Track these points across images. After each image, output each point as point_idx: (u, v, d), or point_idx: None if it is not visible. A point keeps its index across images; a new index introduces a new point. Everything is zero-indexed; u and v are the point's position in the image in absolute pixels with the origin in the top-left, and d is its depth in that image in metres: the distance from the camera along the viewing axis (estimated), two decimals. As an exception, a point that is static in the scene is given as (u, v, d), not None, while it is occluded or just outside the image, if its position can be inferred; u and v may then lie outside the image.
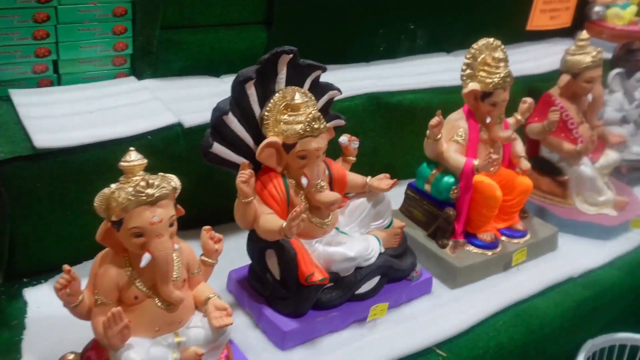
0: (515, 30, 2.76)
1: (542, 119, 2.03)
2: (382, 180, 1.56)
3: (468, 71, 1.74)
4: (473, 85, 1.73)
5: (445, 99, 2.10)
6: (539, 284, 1.78)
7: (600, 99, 2.09)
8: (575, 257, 1.94)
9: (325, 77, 1.54)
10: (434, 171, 1.81)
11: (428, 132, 1.73)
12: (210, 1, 1.91)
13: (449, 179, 1.76)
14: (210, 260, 1.32)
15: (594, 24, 2.92)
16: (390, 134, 2.09)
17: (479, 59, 1.74)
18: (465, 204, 1.76)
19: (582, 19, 2.97)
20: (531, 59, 2.58)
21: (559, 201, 2.12)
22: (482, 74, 1.73)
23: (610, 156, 2.16)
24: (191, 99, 1.80)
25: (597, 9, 2.89)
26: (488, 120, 1.76)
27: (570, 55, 2.06)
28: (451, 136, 1.77)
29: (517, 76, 2.34)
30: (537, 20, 2.74)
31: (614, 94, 2.45)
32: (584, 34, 2.06)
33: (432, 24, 2.42)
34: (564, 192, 2.12)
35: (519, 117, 1.92)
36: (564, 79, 2.07)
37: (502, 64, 1.71)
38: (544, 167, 2.16)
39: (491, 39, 1.76)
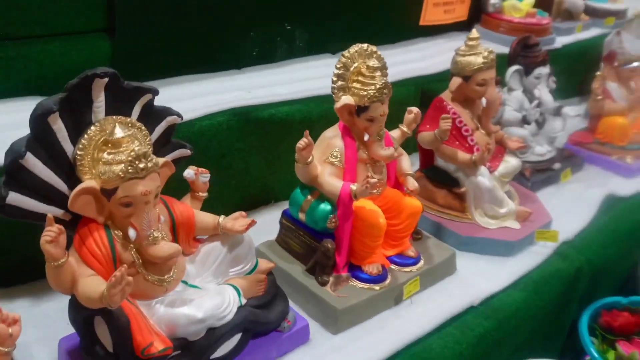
0: (408, 26, 2.58)
1: (435, 126, 1.84)
2: (237, 220, 1.31)
3: (339, 83, 1.51)
4: (346, 99, 1.50)
5: (327, 110, 1.85)
6: (434, 319, 1.58)
7: (495, 102, 1.90)
8: (476, 280, 1.75)
9: (185, 90, 1.29)
10: (308, 197, 1.57)
11: (297, 155, 1.48)
12: (32, 7, 1.59)
13: (325, 207, 1.53)
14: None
15: (490, 16, 2.78)
16: (263, 152, 1.84)
17: (352, 68, 1.51)
18: (345, 234, 1.53)
19: (478, 11, 2.80)
20: (425, 58, 2.39)
21: (457, 216, 1.93)
22: (356, 85, 1.50)
23: (510, 163, 1.99)
24: (9, 129, 1.49)
25: (493, 0, 2.73)
26: (366, 137, 1.53)
27: (460, 56, 1.87)
28: (325, 157, 1.54)
29: (408, 77, 2.19)
30: (430, 14, 2.55)
31: (513, 92, 2.30)
32: (473, 33, 1.88)
33: (313, 23, 2.19)
34: (461, 205, 1.93)
35: (405, 129, 1.71)
36: (455, 82, 1.87)
37: (378, 74, 1.49)
38: (440, 178, 1.97)
39: (365, 45, 1.53)
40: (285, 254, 1.66)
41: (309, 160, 1.49)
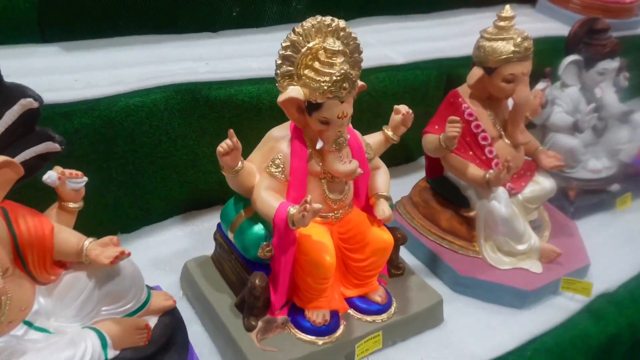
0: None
1: (445, 128, 1.40)
2: (105, 248, 0.98)
3: (285, 67, 1.11)
4: (292, 92, 1.10)
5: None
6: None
7: (525, 105, 1.45)
8: (467, 340, 1.35)
9: (123, 56, 1.21)
10: (241, 213, 1.20)
11: (220, 162, 1.11)
12: None
13: (258, 230, 1.18)
14: None
15: (560, -12, 2.23)
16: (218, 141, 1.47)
17: (304, 50, 1.10)
18: (283, 268, 1.17)
19: (546, -19, 2.28)
20: (459, 35, 1.92)
21: (462, 246, 1.52)
22: (308, 73, 1.09)
23: (541, 185, 1.54)
24: None
25: (565, -32, 2.20)
26: (319, 144, 1.13)
27: (485, 40, 1.43)
28: (266, 164, 1.15)
29: (428, 59, 1.75)
30: (479, -19, 2.06)
31: (567, 89, 1.81)
32: (507, 10, 1.43)
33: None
34: (469, 232, 1.52)
35: (389, 134, 1.30)
36: (475, 74, 1.44)
37: (338, 60, 1.08)
38: (447, 194, 1.56)
39: (327, 18, 1.12)
40: (218, 277, 1.31)
41: (237, 168, 1.12)
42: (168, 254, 1.42)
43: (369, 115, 1.65)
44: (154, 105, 1.34)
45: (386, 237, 1.22)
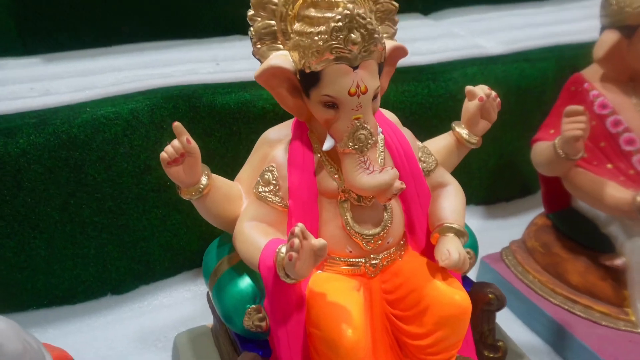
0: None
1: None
2: None
3: (262, 20, 0.69)
4: (276, 59, 0.69)
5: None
6: None
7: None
8: None
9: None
10: (223, 260, 0.79)
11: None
12: None
13: (243, 287, 0.75)
14: None
15: None
16: (233, 164, 1.07)
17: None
18: (284, 347, 0.72)
19: None
20: (588, 17, 1.39)
21: (605, 312, 1.00)
22: (299, 27, 0.68)
23: None
24: None
25: None
26: (327, 145, 0.70)
27: (620, -11, 0.93)
28: (254, 181, 0.73)
29: (543, 46, 1.26)
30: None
31: None
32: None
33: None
34: (615, 291, 1.01)
35: (463, 134, 0.84)
36: (608, 39, 0.98)
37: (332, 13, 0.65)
38: (577, 233, 1.06)
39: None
40: (214, 356, 0.88)
41: (198, 186, 0.71)
42: (168, 323, 1.05)
43: (449, 124, 1.18)
44: (133, 117, 0.99)
45: (458, 297, 0.73)
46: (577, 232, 1.05)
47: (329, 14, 0.64)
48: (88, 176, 0.98)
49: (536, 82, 1.24)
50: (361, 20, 0.64)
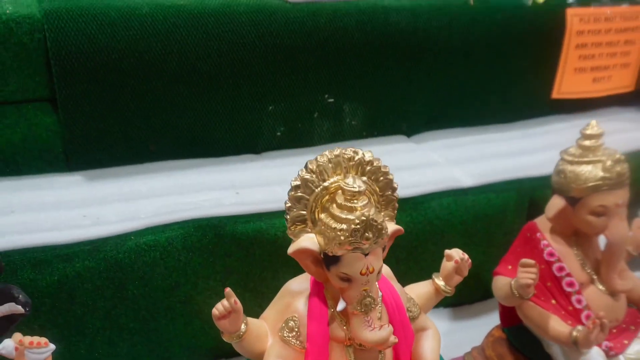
0: (533, 99, 1.86)
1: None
2: None
3: (296, 210, 0.91)
4: (305, 242, 0.90)
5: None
6: None
7: (622, 244, 1.16)
8: None
9: (141, 185, 1.15)
10: (251, 387, 0.99)
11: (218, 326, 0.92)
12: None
13: None
14: None
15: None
16: (245, 279, 1.29)
17: (318, 190, 0.91)
18: None
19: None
20: (547, 147, 1.65)
21: (550, 422, 1.20)
22: (324, 219, 0.89)
23: (652, 341, 1.21)
24: None
25: (676, 66, 1.91)
26: (341, 306, 0.92)
27: (567, 163, 1.18)
28: (279, 326, 0.94)
29: (507, 180, 1.51)
30: (569, 83, 1.82)
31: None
32: (592, 126, 1.18)
33: (373, 94, 1.60)
34: None
35: (441, 285, 1.06)
36: (555, 204, 1.20)
37: (360, 203, 0.87)
38: (527, 349, 1.27)
39: (349, 150, 0.93)
40: None
41: (239, 332, 0.92)
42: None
43: (431, 247, 1.41)
44: (169, 244, 1.18)
45: None
46: (526, 348, 1.26)
47: (350, 217, 0.86)
48: (129, 292, 1.17)
49: (500, 210, 1.48)
50: (374, 223, 0.87)
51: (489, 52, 1.70)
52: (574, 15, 1.74)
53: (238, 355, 1.33)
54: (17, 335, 0.86)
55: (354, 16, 1.49)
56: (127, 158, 1.39)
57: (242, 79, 1.42)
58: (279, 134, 1.51)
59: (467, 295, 1.53)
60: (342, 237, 0.86)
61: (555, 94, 1.82)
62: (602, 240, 1.21)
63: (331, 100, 1.52)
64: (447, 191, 1.44)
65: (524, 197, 1.51)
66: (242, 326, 0.93)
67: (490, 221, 1.47)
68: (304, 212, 0.92)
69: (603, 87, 1.88)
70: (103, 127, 1.35)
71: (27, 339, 0.85)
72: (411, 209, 1.37)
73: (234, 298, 0.90)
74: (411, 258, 1.39)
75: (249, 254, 1.26)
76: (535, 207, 1.49)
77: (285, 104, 1.48)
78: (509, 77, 1.77)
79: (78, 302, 1.14)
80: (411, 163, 1.52)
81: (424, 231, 1.40)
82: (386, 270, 1.04)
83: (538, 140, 1.73)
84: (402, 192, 1.37)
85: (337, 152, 0.92)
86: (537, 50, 1.77)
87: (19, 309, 0.86)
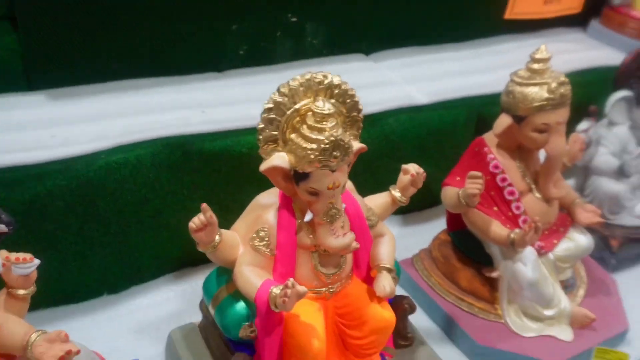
0: (486, 19, 1.93)
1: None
2: (51, 344, 0.88)
3: (268, 131, 0.99)
4: (276, 160, 0.98)
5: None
6: None
7: (559, 157, 1.28)
8: None
9: (108, 105, 1.21)
10: (223, 288, 1.09)
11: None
12: None
13: (239, 309, 1.08)
14: None
15: (615, 11, 2.03)
16: (214, 194, 1.37)
17: (290, 112, 0.98)
18: (268, 350, 1.05)
19: (599, 2, 2.07)
20: (498, 66, 1.74)
21: (483, 308, 1.38)
22: (294, 138, 0.97)
23: (576, 242, 1.38)
24: None
25: (621, -12, 2.00)
26: (308, 217, 1.01)
27: (516, 84, 1.28)
28: (250, 236, 1.04)
29: (457, 97, 1.60)
30: (522, 4, 1.89)
31: (615, 127, 1.63)
32: (541, 51, 1.27)
33: (335, 13, 1.64)
34: (491, 294, 1.39)
35: (397, 195, 1.16)
36: (503, 122, 1.30)
37: (329, 124, 0.95)
38: (469, 250, 1.42)
39: (319, 74, 0.99)
40: (204, 349, 1.19)
41: (214, 243, 1.01)
42: (156, 318, 1.33)
43: (387, 161, 1.51)
44: (138, 162, 1.25)
45: (387, 315, 1.09)
46: (468, 249, 1.40)
47: (320, 137, 0.94)
48: (99, 208, 1.24)
49: (450, 125, 1.58)
50: (341, 142, 0.95)
51: (447, -27, 1.76)
52: None
53: (203, 263, 1.45)
54: (3, 252, 0.92)
55: None
56: (90, 77, 1.42)
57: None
58: (241, 52, 1.55)
59: (417, 203, 1.66)
60: (312, 156, 0.94)
61: (508, 15, 1.90)
62: (542, 154, 1.33)
63: (294, 19, 1.57)
64: (403, 108, 1.53)
65: (472, 114, 1.62)
66: (217, 237, 1.02)
67: (442, 136, 1.58)
68: (276, 133, 0.99)
69: (553, 8, 1.96)
70: (64, 46, 1.36)
71: (13, 255, 0.92)
72: (369, 126, 1.45)
73: (210, 213, 0.99)
74: (369, 170, 1.49)
75: (215, 170, 1.34)
76: (483, 123, 1.59)
77: (248, 23, 1.52)
78: (465, -4, 1.84)
79: (50, 219, 1.20)
80: (370, 81, 1.60)
81: (381, 146, 1.49)
82: (348, 184, 1.13)
83: (489, 59, 1.83)
84: (362, 109, 1.47)
85: (307, 76, 0.99)
86: (492, -27, 1.83)
87: (3, 227, 0.93)
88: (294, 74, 1.63)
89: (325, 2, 1.61)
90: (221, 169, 1.34)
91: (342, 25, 1.68)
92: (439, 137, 1.57)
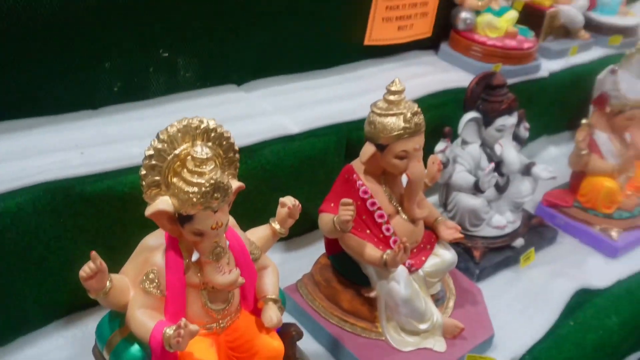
0: (348, 46, 2.07)
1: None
2: None
3: (151, 177, 1.05)
4: (161, 204, 1.04)
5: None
6: None
7: (420, 181, 1.43)
8: None
9: None
10: (116, 332, 1.13)
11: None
12: None
13: (135, 352, 1.12)
14: None
15: (460, 35, 2.24)
16: (100, 236, 1.39)
17: (170, 157, 1.04)
18: (164, 388, 1.08)
19: (447, 26, 2.28)
20: (361, 92, 1.88)
21: (364, 327, 1.49)
22: (176, 181, 1.03)
23: (442, 258, 1.53)
24: None
25: (464, 15, 2.21)
26: (195, 257, 1.07)
27: (376, 115, 1.39)
28: (140, 278, 1.08)
29: (327, 125, 1.71)
30: (378, 31, 2.05)
31: (468, 146, 1.81)
32: (396, 83, 1.39)
33: (207, 47, 1.70)
34: (371, 313, 1.50)
35: (277, 228, 1.25)
36: (367, 151, 1.42)
37: (208, 167, 1.02)
38: (347, 272, 1.52)
39: (195, 119, 1.06)
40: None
41: (105, 289, 1.04)
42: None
43: (265, 191, 1.59)
44: (19, 210, 1.24)
45: (276, 344, 1.18)
46: (347, 271, 1.49)
47: (201, 180, 1.00)
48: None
49: (322, 152, 1.68)
50: (221, 184, 1.02)
51: (310, 4, 1.86)
52: (380, -30, 1.95)
53: (93, 306, 1.45)
54: None
55: (185, -27, 1.58)
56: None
57: (77, 37, 1.45)
58: (115, 89, 1.57)
59: (298, 228, 1.75)
60: (194, 199, 1.00)
61: (367, 41, 2.04)
62: (404, 178, 1.47)
63: (165, 54, 1.61)
64: (276, 138, 1.62)
65: (342, 139, 1.74)
66: (107, 283, 1.05)
67: (315, 163, 1.68)
68: (158, 178, 1.04)
69: (406, 34, 2.14)
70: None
71: None
72: (246, 157, 1.53)
73: (99, 260, 1.02)
74: (248, 201, 1.56)
75: (98, 212, 1.35)
76: (352, 148, 1.72)
77: (121, 60, 1.54)
78: (329, 26, 1.96)
79: None
80: (243, 113, 1.67)
81: (258, 177, 1.57)
82: (230, 219, 1.20)
83: (354, 84, 1.96)
84: (238, 141, 1.52)
85: (184, 122, 1.05)
86: (350, 2, 1.96)
87: None
88: (169, 108, 1.71)
89: (195, 37, 1.66)
90: (104, 211, 1.36)
91: (212, 57, 1.74)
92: (312, 164, 1.67)
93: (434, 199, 1.92)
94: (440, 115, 1.92)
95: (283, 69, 1.93)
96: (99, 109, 1.58)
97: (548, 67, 2.35)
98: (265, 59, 1.87)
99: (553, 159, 2.45)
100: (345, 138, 1.75)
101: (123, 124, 1.53)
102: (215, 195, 1.01)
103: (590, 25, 2.66)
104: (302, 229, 1.78)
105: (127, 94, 1.60)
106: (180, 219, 1.04)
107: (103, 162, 1.38)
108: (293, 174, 1.63)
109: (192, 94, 1.72)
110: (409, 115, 1.36)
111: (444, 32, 2.29)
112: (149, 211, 1.04)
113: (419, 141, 1.39)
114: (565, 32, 2.57)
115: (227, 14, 1.69)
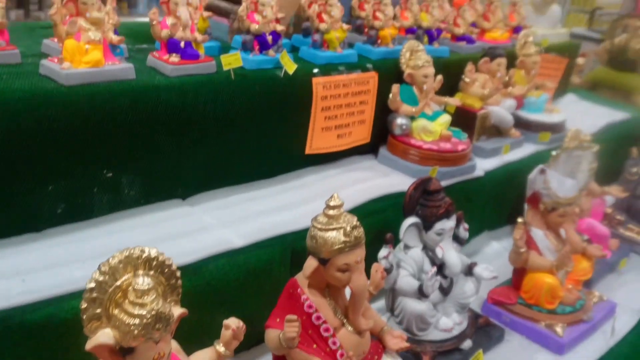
0: (290, 155, 2.15)
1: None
2: None
3: (92, 310, 1.06)
4: (103, 337, 1.05)
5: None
6: None
7: (363, 293, 1.47)
8: None
9: None
10: None
11: None
12: None
13: None
14: None
15: (397, 140, 2.36)
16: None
17: (111, 290, 1.06)
18: None
19: (384, 131, 2.40)
20: (303, 201, 1.95)
21: None
22: (118, 314, 1.05)
23: (390, 367, 1.54)
24: None
25: (400, 121, 2.33)
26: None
27: (317, 230, 1.45)
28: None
29: (272, 236, 1.75)
30: (319, 140, 2.14)
31: (410, 251, 1.87)
32: (334, 198, 1.46)
33: (149, 164, 1.75)
34: None
35: (222, 351, 1.27)
36: (310, 265, 1.47)
37: (149, 298, 1.05)
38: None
39: (137, 249, 1.10)
40: None
41: None
42: None
43: (210, 308, 1.60)
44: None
45: None
46: None
47: (142, 312, 1.02)
48: None
49: (267, 264, 1.71)
50: (163, 315, 1.04)
51: (251, 119, 1.95)
52: (318, 83, 2.07)
53: None
54: None
55: (128, 96, 1.64)
56: None
57: (19, 163, 1.49)
58: (59, 211, 1.59)
59: (245, 343, 1.75)
60: (135, 331, 1.02)
61: (308, 150, 2.13)
62: (348, 290, 1.51)
63: (109, 175, 1.64)
64: (221, 253, 1.65)
65: (286, 250, 1.78)
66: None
67: (261, 275, 1.70)
68: (99, 311, 1.06)
69: (345, 141, 2.24)
70: None
71: None
72: (191, 274, 1.55)
73: None
74: (194, 318, 1.56)
75: (38, 341, 1.33)
76: (297, 258, 1.75)
77: (65, 182, 1.57)
78: (270, 138, 2.04)
79: None
80: (187, 228, 1.70)
81: (204, 293, 1.58)
82: (174, 344, 1.21)
83: (296, 193, 2.02)
84: (183, 259, 1.56)
85: (126, 252, 1.08)
86: (291, 114, 2.06)
87: None
88: (113, 227, 1.72)
89: (138, 156, 1.71)
90: (45, 339, 1.34)
91: (156, 174, 1.78)
92: (257, 277, 1.69)
93: (380, 304, 1.96)
94: (382, 220, 1.99)
95: (227, 180, 1.98)
96: (42, 231, 1.59)
97: (483, 165, 2.48)
98: (210, 171, 1.92)
99: (496, 254, 2.53)
100: (290, 248, 1.78)
101: (66, 246, 1.54)
102: (157, 326, 1.03)
103: (520, 124, 2.85)
104: (250, 343, 1.78)
105: (71, 216, 1.62)
106: (121, 351, 1.05)
107: (45, 288, 1.37)
108: (239, 288, 1.65)
109: (136, 211, 1.75)
110: (348, 228, 1.42)
111: (382, 136, 2.40)
112: (89, 345, 1.05)
113: (360, 254, 1.45)
114: (497, 131, 2.73)
115: (170, 134, 1.75)
